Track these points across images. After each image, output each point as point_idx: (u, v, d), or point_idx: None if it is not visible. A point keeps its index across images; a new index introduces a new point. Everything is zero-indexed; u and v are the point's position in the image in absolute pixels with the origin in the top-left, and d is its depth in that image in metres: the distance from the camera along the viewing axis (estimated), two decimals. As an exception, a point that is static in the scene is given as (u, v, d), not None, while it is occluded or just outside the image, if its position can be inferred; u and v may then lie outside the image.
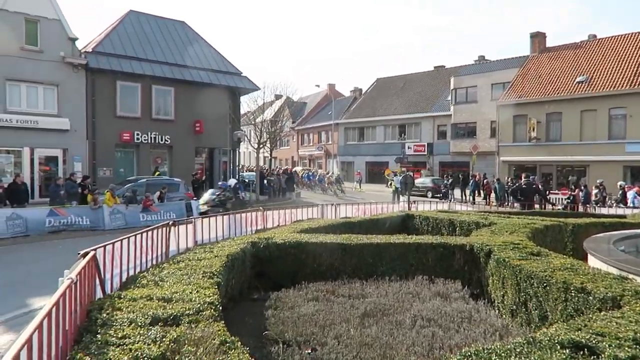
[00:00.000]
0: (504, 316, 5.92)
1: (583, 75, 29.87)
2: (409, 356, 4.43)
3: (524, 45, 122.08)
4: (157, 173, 23.78)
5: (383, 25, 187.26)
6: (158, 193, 18.66)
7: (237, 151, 31.07)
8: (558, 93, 30.11)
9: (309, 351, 4.52)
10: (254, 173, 32.69)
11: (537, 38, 35.49)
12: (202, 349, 3.18)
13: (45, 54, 21.96)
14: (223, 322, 3.83)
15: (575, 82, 29.86)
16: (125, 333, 3.41)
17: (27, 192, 17.82)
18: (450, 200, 24.42)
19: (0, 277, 9.46)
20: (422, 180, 33.71)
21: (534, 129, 30.94)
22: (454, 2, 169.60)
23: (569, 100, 29.40)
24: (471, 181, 28.47)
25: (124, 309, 4.00)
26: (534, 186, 19.88)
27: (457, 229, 10.49)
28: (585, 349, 3.09)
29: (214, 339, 3.34)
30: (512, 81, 33.77)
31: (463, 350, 3.21)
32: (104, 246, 5.64)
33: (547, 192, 24.48)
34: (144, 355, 3.01)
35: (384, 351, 4.51)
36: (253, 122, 30.19)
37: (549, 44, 35.84)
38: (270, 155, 36.80)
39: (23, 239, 14.42)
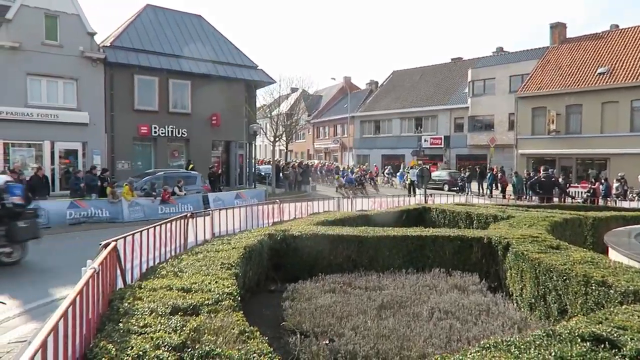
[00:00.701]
0: (522, 309, 5.87)
1: (604, 66, 29.27)
2: (426, 348, 4.43)
3: (544, 36, 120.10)
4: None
5: (399, 17, 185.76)
6: (177, 187, 18.79)
7: (253, 144, 31.20)
8: (578, 85, 29.57)
9: (327, 342, 4.55)
10: (269, 166, 32.81)
11: (557, 29, 34.84)
12: (221, 338, 3.23)
13: (65, 49, 22.27)
14: (242, 312, 3.88)
15: (596, 74, 29.29)
16: (146, 322, 3.47)
17: (48, 185, 18.18)
18: (467, 194, 24.23)
19: (23, 268, 9.67)
20: (439, 174, 33.47)
21: (553, 122, 30.46)
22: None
23: (589, 92, 28.85)
24: (489, 174, 28.21)
25: (145, 299, 4.06)
26: (553, 179, 19.61)
27: (475, 222, 10.41)
28: (606, 342, 3.06)
29: (233, 329, 3.38)
30: (531, 73, 33.25)
31: (482, 342, 3.20)
32: (124, 237, 5.73)
33: (567, 185, 24.13)
34: (165, 343, 3.06)
35: (401, 343, 4.51)
36: (269, 116, 30.29)
37: (570, 35, 35.17)
38: (286, 148, 36.91)
39: (45, 231, 14.69)
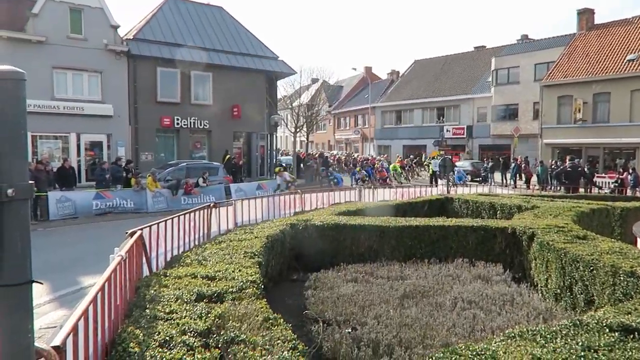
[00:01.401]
0: (547, 300, 5.79)
1: (634, 53, 28.37)
2: (449, 337, 4.41)
3: (570, 23, 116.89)
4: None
5: (422, 5, 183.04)
6: (201, 179, 18.95)
7: (274, 135, 31.29)
8: (606, 72, 28.75)
9: (349, 330, 4.57)
10: (290, 157, 32.90)
11: (585, 15, 33.86)
12: (246, 324, 3.27)
13: (89, 42, 22.61)
14: (265, 300, 3.91)
15: (625, 61, 28.41)
16: (172, 308, 3.53)
17: (74, 176, 18.57)
18: (490, 184, 23.91)
19: (53, 257, 9.93)
20: (461, 164, 33.05)
21: (579, 110, 29.72)
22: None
23: (618, 80, 28.02)
24: (513, 164, 27.76)
25: (170, 286, 4.14)
26: (579, 169, 19.21)
27: (498, 212, 10.27)
28: (636, 333, 3.00)
29: (257, 316, 3.42)
30: (557, 61, 32.44)
31: (507, 332, 3.17)
32: (149, 226, 5.83)
33: (593, 175, 23.59)
34: (191, 329, 3.12)
35: (424, 332, 4.50)
36: (290, 107, 30.32)
37: (598, 21, 34.16)
38: (307, 139, 36.93)
39: (72, 221, 15.07)
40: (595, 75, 29.14)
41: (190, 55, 25.77)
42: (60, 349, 2.09)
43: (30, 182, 1.57)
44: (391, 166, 26.51)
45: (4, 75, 1.50)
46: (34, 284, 1.58)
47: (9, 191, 1.48)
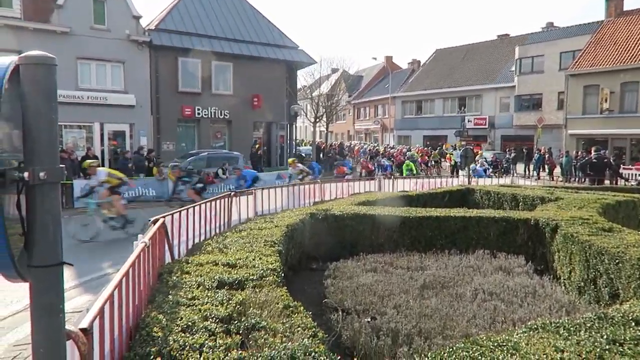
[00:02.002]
0: (570, 293, 5.71)
1: (665, 40, 27.49)
2: (470, 328, 4.38)
3: (598, 9, 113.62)
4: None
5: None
6: (221, 170, 19.04)
7: (294, 125, 31.30)
8: (636, 60, 27.90)
9: (369, 319, 4.58)
10: (310, 147, 32.90)
11: (613, 1, 32.87)
12: (266, 311, 3.30)
13: (112, 33, 22.87)
14: (285, 287, 3.94)
15: (655, 49, 27.57)
16: (194, 295, 3.59)
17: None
18: (513, 175, 23.55)
19: (78, 244, 10.16)
20: (483, 155, 32.61)
21: (606, 100, 28.98)
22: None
23: (647, 68, 27.23)
24: (536, 155, 27.28)
25: (192, 273, 4.20)
26: (605, 160, 18.76)
27: (521, 203, 10.12)
28: (663, 327, 2.94)
29: (278, 303, 3.45)
30: (583, 49, 31.62)
31: (529, 323, 3.14)
32: (172, 214, 5.91)
33: (619, 166, 23.03)
34: (213, 315, 3.16)
35: (444, 322, 4.48)
36: (309, 96, 30.25)
37: (627, 7, 33.15)
38: (327, 129, 36.82)
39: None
40: (624, 63, 28.34)
41: (211, 45, 25.89)
42: (87, 331, 2.15)
43: (61, 165, 1.61)
44: (404, 165, 24.63)
45: (36, 60, 1.53)
46: (64, 266, 1.62)
47: (41, 174, 1.52)
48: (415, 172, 23.10)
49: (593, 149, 20.15)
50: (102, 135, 23.24)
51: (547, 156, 26.98)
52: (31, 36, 20.45)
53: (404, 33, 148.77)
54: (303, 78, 33.95)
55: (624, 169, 23.97)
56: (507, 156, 29.81)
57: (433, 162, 30.37)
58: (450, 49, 50.25)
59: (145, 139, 23.92)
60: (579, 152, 25.65)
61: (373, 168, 26.14)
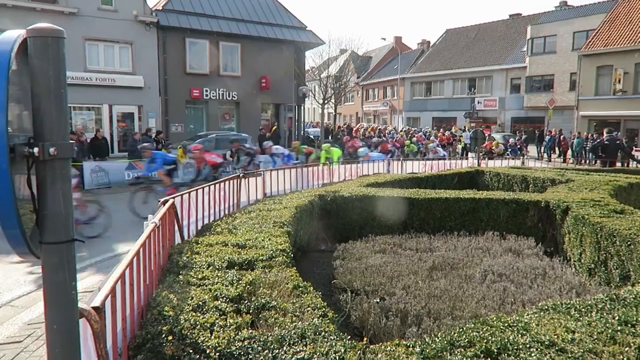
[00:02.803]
0: (580, 274, 5.68)
1: (681, 19, 26.86)
2: (479, 309, 4.38)
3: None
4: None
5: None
6: (229, 152, 18.98)
7: (302, 107, 31.14)
8: (650, 40, 27.36)
9: (377, 300, 4.59)
10: (318, 129, 32.78)
11: (629, -21, 32.09)
12: (276, 291, 3.32)
13: (120, 13, 22.75)
14: (295, 268, 3.95)
15: (671, 28, 26.96)
16: (204, 275, 3.61)
17: (107, 146, 18.99)
18: (524, 156, 23.34)
19: (89, 224, 10.23)
20: (493, 137, 32.31)
21: (619, 81, 28.48)
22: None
23: (662, 48, 26.68)
24: (548, 137, 26.97)
25: (202, 253, 4.22)
26: (618, 142, 18.50)
27: (531, 185, 10.04)
28: (676, 309, 2.91)
29: (287, 283, 3.46)
30: (597, 28, 30.99)
31: (539, 304, 3.12)
32: (181, 195, 5.92)
33: (632, 148, 22.73)
34: (223, 295, 3.18)
35: (454, 303, 4.49)
36: (318, 78, 30.01)
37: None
38: (335, 111, 36.62)
39: (106, 190, 15.47)
40: (639, 43, 27.76)
41: (219, 26, 25.68)
42: (99, 310, 2.16)
43: (71, 141, 1.59)
44: (406, 142, 23.88)
45: (44, 32, 1.51)
46: (75, 243, 1.62)
47: (51, 150, 1.50)
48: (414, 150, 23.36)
49: (605, 130, 19.88)
50: (110, 116, 23.30)
51: (561, 137, 26.65)
52: (39, 17, 20.37)
53: (414, 13, 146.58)
54: (311, 59, 33.78)
55: (636, 150, 23.66)
56: (518, 138, 29.52)
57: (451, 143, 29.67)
58: (461, 29, 49.52)
59: (153, 120, 23.95)
60: (591, 134, 25.34)
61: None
